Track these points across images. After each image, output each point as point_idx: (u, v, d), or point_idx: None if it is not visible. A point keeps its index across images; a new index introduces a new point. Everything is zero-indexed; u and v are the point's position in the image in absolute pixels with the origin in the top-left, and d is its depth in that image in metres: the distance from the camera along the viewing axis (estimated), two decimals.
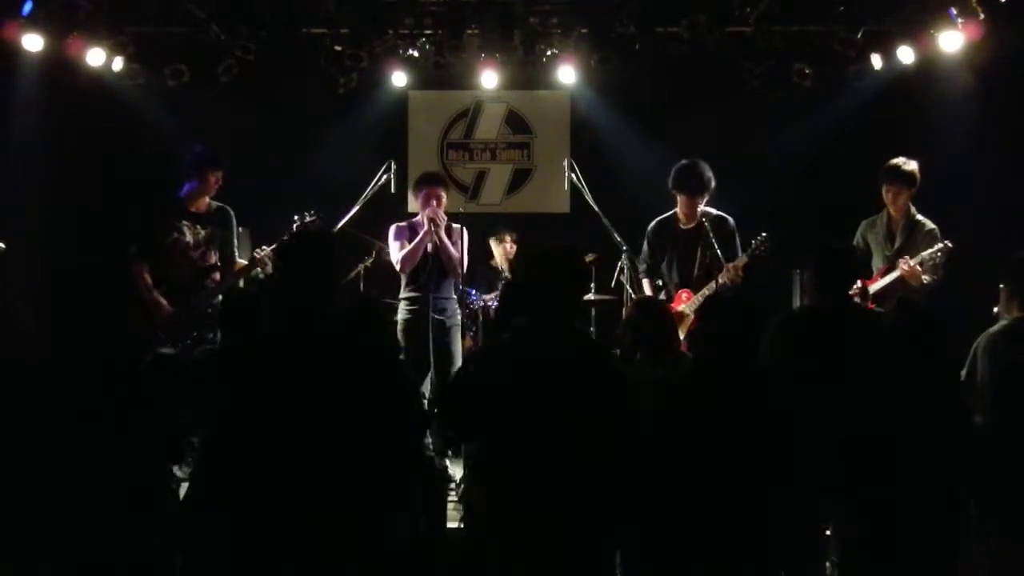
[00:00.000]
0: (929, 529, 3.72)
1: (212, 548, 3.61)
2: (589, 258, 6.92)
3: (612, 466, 3.48)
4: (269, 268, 6.38)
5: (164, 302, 6.19)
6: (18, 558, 3.36)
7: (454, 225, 6.53)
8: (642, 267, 6.52)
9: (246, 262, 6.51)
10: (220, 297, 6.19)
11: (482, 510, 3.55)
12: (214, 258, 6.34)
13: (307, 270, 3.33)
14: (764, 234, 6.17)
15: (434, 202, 6.41)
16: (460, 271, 6.47)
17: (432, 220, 6.35)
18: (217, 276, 6.41)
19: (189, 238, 6.25)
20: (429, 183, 6.51)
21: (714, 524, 3.49)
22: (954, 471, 3.79)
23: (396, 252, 6.48)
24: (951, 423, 3.80)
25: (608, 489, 3.46)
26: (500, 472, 3.42)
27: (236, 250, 6.50)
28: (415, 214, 6.65)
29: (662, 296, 6.36)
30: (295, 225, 6.45)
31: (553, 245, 3.71)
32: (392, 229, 6.56)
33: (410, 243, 6.42)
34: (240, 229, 7.50)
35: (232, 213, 6.49)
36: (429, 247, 6.39)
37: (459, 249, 6.45)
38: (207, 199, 6.45)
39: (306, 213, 6.51)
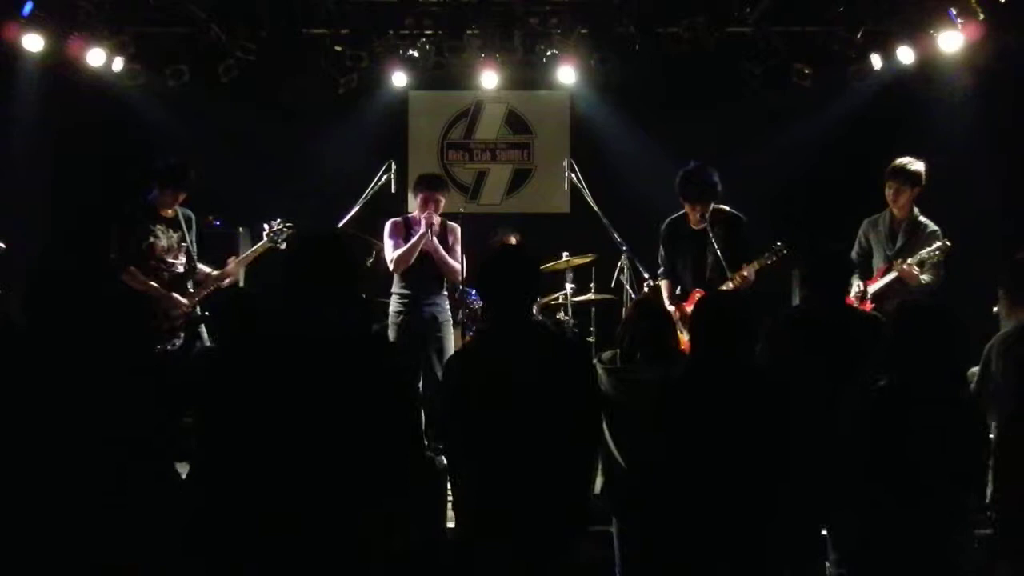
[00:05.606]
0: (932, 533, 3.70)
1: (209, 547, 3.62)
2: (514, 239, 7.10)
3: (589, 455, 3.57)
4: (239, 279, 6.40)
5: (176, 295, 6.15)
6: (17, 556, 3.36)
7: (449, 223, 6.56)
8: (660, 270, 6.42)
9: (213, 271, 6.37)
10: (197, 301, 6.22)
11: (468, 512, 3.56)
12: (185, 261, 6.29)
13: (327, 275, 3.33)
14: (780, 243, 6.09)
15: (431, 206, 6.44)
16: (459, 278, 6.51)
17: (429, 224, 6.39)
18: (191, 280, 6.35)
19: (163, 242, 6.19)
20: (429, 187, 6.52)
21: (713, 524, 3.49)
22: (961, 473, 3.76)
23: (391, 250, 6.52)
24: (956, 425, 3.77)
25: (588, 477, 3.55)
26: (480, 472, 3.45)
27: (196, 254, 6.42)
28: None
29: (678, 293, 6.33)
30: (265, 234, 6.37)
31: (497, 247, 3.80)
32: (388, 226, 6.60)
33: (405, 241, 6.46)
34: (241, 229, 7.55)
35: (193, 217, 6.41)
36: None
37: (456, 251, 6.50)
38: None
39: (274, 222, 6.41)
